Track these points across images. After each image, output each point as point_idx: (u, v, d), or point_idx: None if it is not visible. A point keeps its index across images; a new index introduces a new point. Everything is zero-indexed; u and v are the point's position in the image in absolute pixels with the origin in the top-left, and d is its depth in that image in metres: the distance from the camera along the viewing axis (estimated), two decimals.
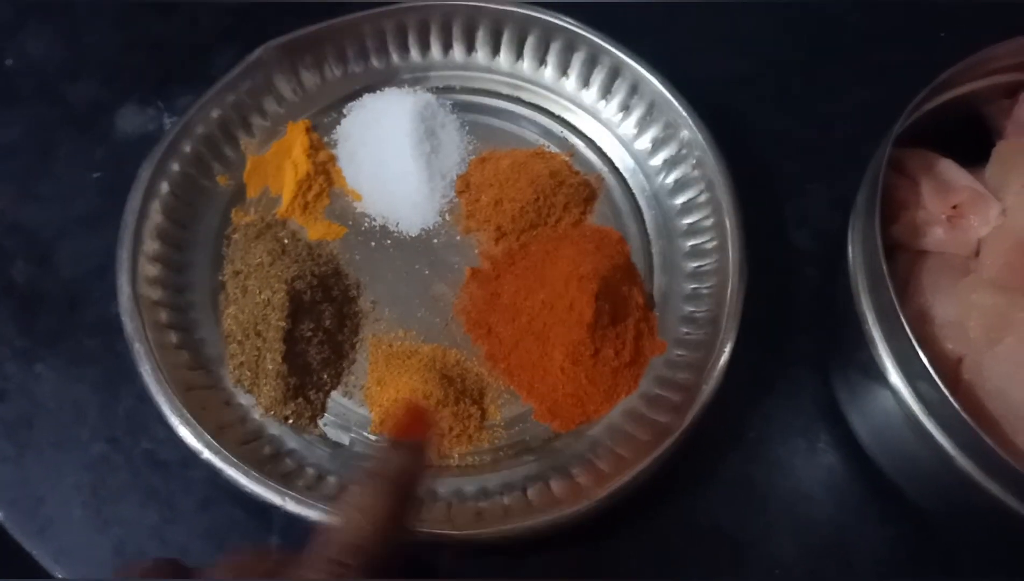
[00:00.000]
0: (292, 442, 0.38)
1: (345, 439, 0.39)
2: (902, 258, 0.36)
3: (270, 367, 0.38)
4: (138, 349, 0.37)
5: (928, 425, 0.31)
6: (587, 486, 0.36)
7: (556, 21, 0.46)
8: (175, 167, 0.42)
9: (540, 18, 0.46)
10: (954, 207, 0.36)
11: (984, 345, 0.33)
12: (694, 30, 0.52)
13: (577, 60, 0.47)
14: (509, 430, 0.40)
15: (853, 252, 0.35)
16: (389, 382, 0.39)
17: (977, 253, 0.36)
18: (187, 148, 0.43)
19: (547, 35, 0.47)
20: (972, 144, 0.38)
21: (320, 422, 0.39)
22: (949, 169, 0.37)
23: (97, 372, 0.41)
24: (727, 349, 0.38)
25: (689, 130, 0.44)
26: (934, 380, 0.29)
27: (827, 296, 0.42)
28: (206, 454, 0.35)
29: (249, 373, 0.39)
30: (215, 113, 0.44)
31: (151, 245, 0.40)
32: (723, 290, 0.40)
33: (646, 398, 0.40)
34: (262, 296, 0.38)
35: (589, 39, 0.45)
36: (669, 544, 0.38)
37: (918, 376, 0.30)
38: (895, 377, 0.32)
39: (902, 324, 0.30)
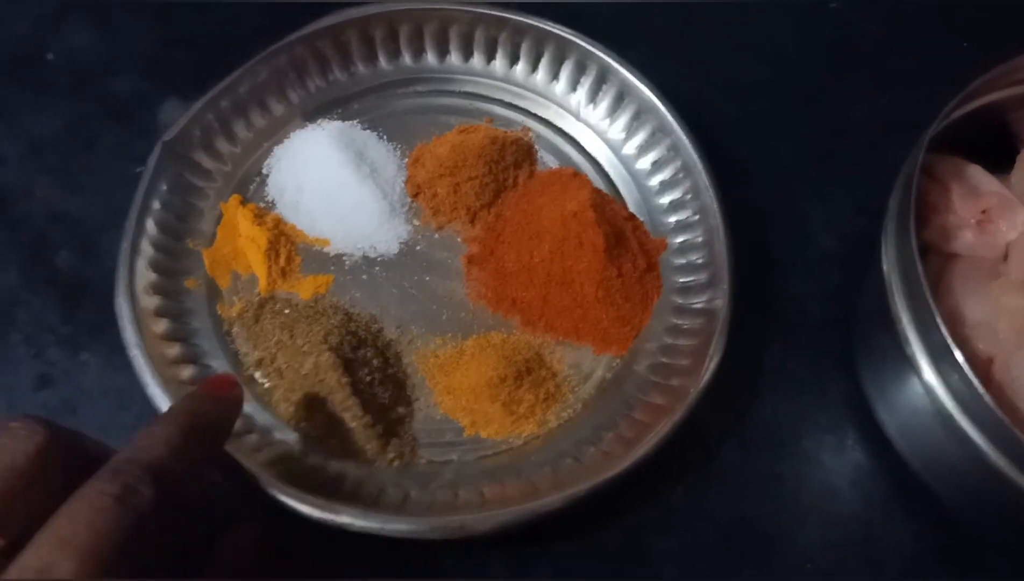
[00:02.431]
0: (408, 480, 0.38)
1: (453, 455, 0.39)
2: (933, 260, 0.38)
3: (354, 425, 0.37)
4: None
5: (961, 421, 0.32)
6: (667, 404, 0.38)
7: (431, 7, 0.47)
8: (150, 302, 0.40)
9: (411, 9, 0.47)
10: (983, 212, 0.37)
11: (1013, 346, 0.34)
12: (709, 35, 0.53)
13: (454, 36, 0.48)
14: (582, 373, 0.42)
15: (887, 254, 0.36)
16: (456, 387, 0.40)
17: (1006, 257, 0.37)
18: (148, 275, 0.40)
19: (419, 25, 0.48)
20: (996, 151, 0.40)
21: (419, 451, 0.39)
22: (977, 174, 0.38)
23: None
24: (719, 213, 0.42)
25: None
26: (968, 377, 0.30)
27: (854, 297, 0.43)
28: (359, 524, 0.34)
29: (336, 440, 0.38)
30: (152, 230, 0.41)
31: (171, 372, 0.38)
32: (690, 169, 0.44)
33: (677, 289, 0.43)
34: (307, 367, 0.38)
35: (463, 13, 0.47)
36: (696, 537, 0.39)
37: (952, 373, 0.31)
38: (929, 374, 0.33)
39: (937, 324, 0.31)
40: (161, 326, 0.39)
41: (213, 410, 0.32)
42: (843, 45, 0.53)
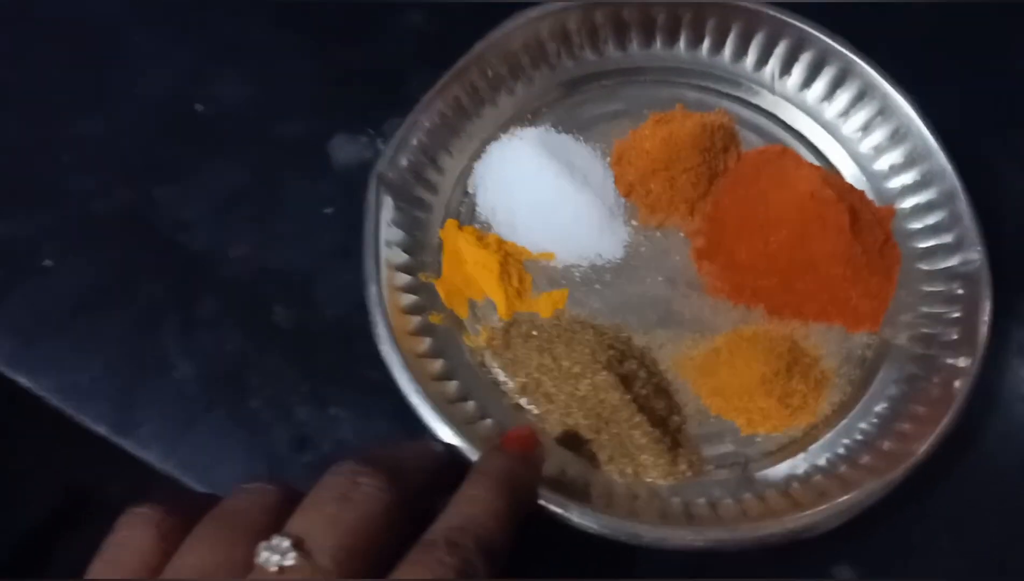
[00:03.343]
0: (704, 489, 0.37)
1: (736, 457, 0.39)
2: None
3: (643, 442, 0.36)
4: None
5: None
6: (945, 378, 0.38)
7: None
8: (415, 344, 0.39)
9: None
10: None
11: None
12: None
13: (633, 23, 0.47)
14: (841, 355, 0.41)
15: None
16: (723, 387, 0.39)
17: None
18: (405, 319, 0.39)
19: (591, 18, 0.47)
20: None
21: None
22: None
23: (390, 403, 0.38)
24: (955, 171, 0.42)
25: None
26: None
27: None
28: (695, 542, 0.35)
29: (626, 460, 0.37)
30: (390, 271, 0.40)
31: (451, 411, 0.37)
32: (909, 129, 0.44)
33: (919, 255, 0.43)
34: (583, 389, 0.37)
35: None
36: None
37: None
38: None
39: None
40: (435, 367, 0.39)
41: (525, 472, 0.33)
42: None
